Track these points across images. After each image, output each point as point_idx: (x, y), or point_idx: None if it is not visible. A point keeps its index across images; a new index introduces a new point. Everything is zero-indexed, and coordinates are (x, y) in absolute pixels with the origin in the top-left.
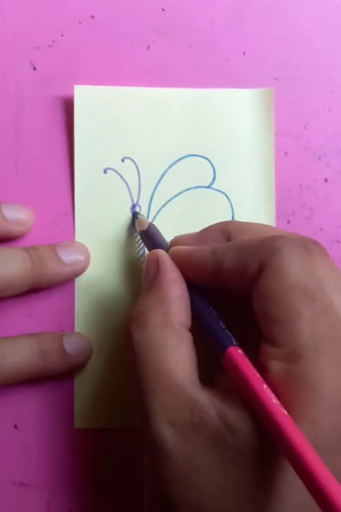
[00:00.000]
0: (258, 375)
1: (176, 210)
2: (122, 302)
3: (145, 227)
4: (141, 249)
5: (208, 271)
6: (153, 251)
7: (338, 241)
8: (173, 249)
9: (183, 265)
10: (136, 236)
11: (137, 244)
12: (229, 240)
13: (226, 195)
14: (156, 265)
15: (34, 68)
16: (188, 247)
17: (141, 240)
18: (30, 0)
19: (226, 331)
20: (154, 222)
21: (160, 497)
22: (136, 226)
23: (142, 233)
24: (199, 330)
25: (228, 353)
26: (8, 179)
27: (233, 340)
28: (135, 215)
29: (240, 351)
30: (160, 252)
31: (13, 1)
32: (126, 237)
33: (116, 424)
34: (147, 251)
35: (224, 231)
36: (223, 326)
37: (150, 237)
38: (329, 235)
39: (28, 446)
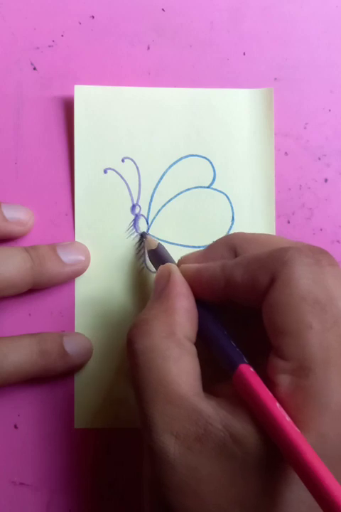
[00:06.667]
0: (270, 394)
1: (176, 210)
2: (122, 302)
3: (154, 247)
4: (141, 250)
5: (218, 287)
6: (166, 264)
7: (338, 241)
8: (183, 266)
9: (193, 282)
10: (137, 237)
11: (137, 245)
12: (236, 253)
13: (226, 195)
14: (167, 278)
15: (34, 68)
16: (197, 264)
17: (140, 241)
18: (30, 0)
19: (237, 349)
20: (154, 222)
21: (161, 505)
22: (145, 245)
23: (150, 253)
24: (209, 346)
25: (239, 370)
26: (8, 179)
27: (244, 358)
28: (143, 235)
29: (251, 369)
30: (173, 266)
31: (13, 1)
32: (126, 238)
33: (116, 425)
34: (148, 256)
35: (231, 245)
36: (233, 344)
37: (160, 257)
38: (329, 235)
39: (28, 446)
